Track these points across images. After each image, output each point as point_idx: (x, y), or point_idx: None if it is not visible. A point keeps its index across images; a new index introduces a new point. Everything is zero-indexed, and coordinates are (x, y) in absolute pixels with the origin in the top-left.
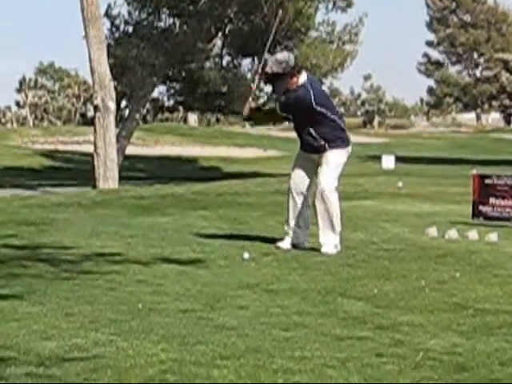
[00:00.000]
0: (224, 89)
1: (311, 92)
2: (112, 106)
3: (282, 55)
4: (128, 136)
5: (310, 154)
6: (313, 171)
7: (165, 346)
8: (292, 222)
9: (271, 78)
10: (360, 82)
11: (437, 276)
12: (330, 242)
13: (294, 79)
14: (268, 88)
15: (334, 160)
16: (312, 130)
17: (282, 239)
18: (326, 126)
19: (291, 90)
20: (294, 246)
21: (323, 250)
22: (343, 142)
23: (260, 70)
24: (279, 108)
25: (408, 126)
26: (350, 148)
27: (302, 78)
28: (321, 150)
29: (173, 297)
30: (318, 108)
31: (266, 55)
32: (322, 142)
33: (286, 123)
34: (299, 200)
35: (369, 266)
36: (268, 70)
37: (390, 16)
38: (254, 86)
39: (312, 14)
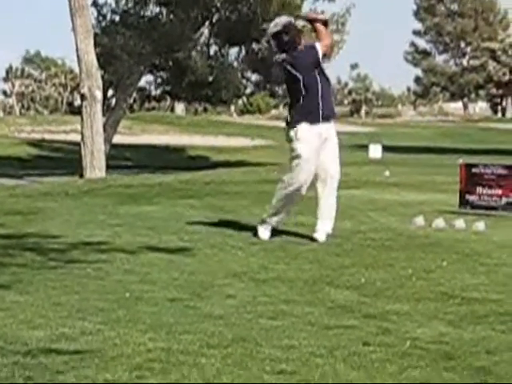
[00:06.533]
0: (211, 78)
1: None
2: (99, 95)
3: (284, 18)
4: (115, 125)
5: (322, 126)
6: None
7: (152, 335)
8: (276, 216)
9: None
10: (347, 70)
11: (424, 265)
12: (326, 229)
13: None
14: (255, 77)
15: (336, 139)
16: (331, 91)
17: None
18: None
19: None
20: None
21: (317, 235)
22: None
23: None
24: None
25: (395, 116)
26: None
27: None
28: (333, 119)
29: (160, 286)
30: None
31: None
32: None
33: (273, 111)
34: (301, 194)
35: (356, 254)
36: (274, 30)
37: (377, 5)
38: None
39: (299, 3)
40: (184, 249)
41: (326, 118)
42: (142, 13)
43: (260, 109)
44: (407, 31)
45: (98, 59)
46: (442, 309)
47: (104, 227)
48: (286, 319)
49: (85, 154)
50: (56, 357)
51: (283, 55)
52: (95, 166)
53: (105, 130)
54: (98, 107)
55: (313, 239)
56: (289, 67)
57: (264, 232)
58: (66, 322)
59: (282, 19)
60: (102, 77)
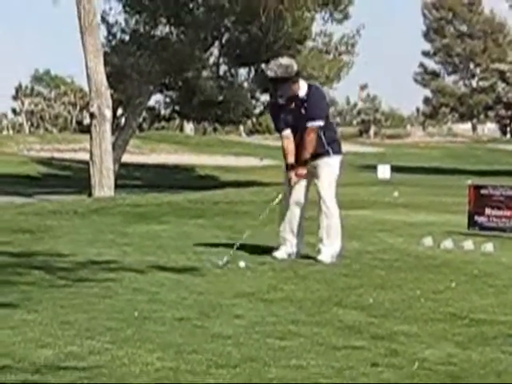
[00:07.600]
0: (220, 98)
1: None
2: (108, 113)
3: (285, 60)
4: (124, 144)
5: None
6: (310, 180)
7: (160, 355)
8: (289, 232)
9: (274, 83)
10: (356, 91)
11: (432, 286)
12: (328, 250)
13: (296, 85)
14: (265, 98)
15: (334, 170)
16: (321, 134)
17: (277, 248)
18: (330, 129)
19: (300, 97)
20: (290, 254)
21: (320, 257)
22: (339, 146)
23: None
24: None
25: (404, 136)
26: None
27: (303, 84)
28: (325, 155)
29: (168, 305)
30: (328, 110)
31: (263, 65)
32: (327, 147)
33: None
34: (298, 210)
35: (364, 275)
36: (272, 74)
37: (386, 25)
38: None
39: (308, 25)
40: (193, 268)
41: (305, 163)
42: (151, 32)
43: (269, 129)
44: (416, 52)
45: (108, 78)
46: (450, 330)
47: (112, 246)
48: (295, 339)
49: (94, 172)
50: (64, 375)
51: (280, 99)
52: (104, 184)
53: (114, 148)
54: (108, 126)
55: (317, 261)
56: (273, 114)
57: (281, 253)
58: (74, 341)
59: (290, 61)
60: (112, 96)
